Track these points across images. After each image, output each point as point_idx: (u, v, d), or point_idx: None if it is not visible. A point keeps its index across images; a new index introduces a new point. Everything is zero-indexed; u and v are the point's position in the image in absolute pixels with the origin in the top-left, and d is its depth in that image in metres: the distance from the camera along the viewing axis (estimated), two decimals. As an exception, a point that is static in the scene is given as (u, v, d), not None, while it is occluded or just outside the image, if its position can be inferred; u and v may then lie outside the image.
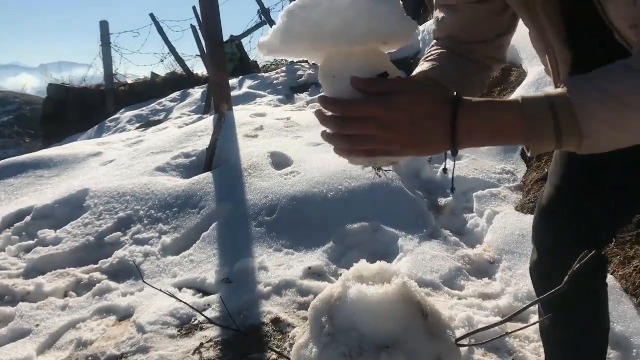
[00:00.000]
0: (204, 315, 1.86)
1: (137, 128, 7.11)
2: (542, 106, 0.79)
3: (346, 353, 0.92)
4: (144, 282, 2.50)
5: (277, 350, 1.79)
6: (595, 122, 0.78)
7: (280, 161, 3.79)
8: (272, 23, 9.80)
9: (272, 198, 3.24)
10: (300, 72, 8.24)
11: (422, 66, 1.16)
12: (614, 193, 1.19)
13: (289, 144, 4.18)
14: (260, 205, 3.21)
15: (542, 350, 1.97)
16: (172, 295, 1.86)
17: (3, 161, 5.01)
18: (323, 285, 2.49)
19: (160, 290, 1.72)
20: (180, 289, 2.63)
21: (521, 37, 4.26)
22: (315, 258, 2.74)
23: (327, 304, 1.00)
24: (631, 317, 2.02)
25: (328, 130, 0.88)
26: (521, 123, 0.79)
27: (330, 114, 0.85)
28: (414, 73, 1.13)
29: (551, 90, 0.83)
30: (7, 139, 14.63)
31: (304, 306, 2.37)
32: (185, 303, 1.94)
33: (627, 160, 1.04)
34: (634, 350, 1.88)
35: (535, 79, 4.11)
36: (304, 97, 6.92)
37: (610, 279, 2.21)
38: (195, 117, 6.57)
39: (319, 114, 0.86)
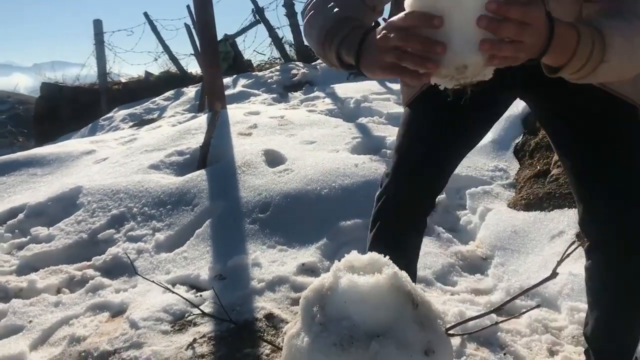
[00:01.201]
0: (198, 308, 1.86)
1: (131, 126, 7.10)
2: (588, 34, 0.99)
3: (337, 342, 0.93)
4: (137, 273, 2.51)
5: (270, 341, 1.79)
6: (614, 52, 1.00)
7: (273, 159, 3.79)
8: (266, 22, 9.82)
9: (266, 195, 3.25)
10: (294, 71, 8.23)
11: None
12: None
13: (282, 142, 4.18)
14: (254, 202, 3.22)
15: (533, 344, 1.99)
16: (167, 288, 1.86)
17: (-6, 159, 5.00)
18: (316, 281, 2.49)
19: (154, 282, 1.73)
20: (173, 285, 2.62)
21: None
22: (309, 254, 2.75)
23: (318, 293, 1.00)
24: None
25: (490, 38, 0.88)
26: (576, 42, 0.98)
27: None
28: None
29: (591, 24, 1.02)
30: (0, 139, 14.57)
31: (297, 302, 2.37)
32: (180, 295, 1.95)
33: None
34: (624, 344, 1.90)
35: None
36: (297, 95, 6.92)
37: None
38: (189, 115, 6.56)
39: (490, 21, 0.86)
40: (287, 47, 9.99)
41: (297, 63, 8.76)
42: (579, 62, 1.00)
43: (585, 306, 2.07)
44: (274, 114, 5.23)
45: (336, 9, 1.25)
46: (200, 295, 2.45)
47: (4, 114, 16.63)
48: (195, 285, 2.61)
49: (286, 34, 12.88)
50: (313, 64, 8.58)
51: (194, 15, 5.75)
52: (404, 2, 0.95)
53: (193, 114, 6.69)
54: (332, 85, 6.87)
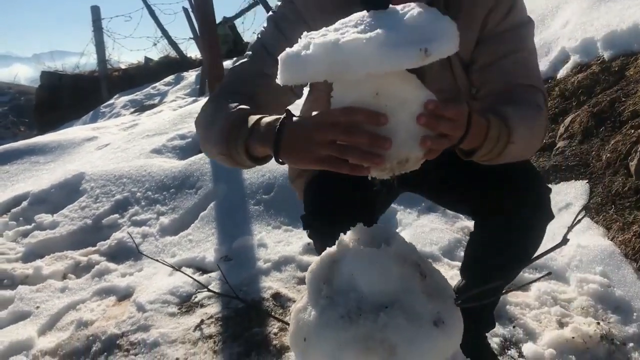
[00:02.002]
0: (207, 288, 1.85)
1: (132, 112, 7.07)
2: (496, 121, 1.09)
3: (344, 314, 0.91)
4: (140, 252, 2.49)
5: (279, 318, 1.77)
6: (518, 135, 1.13)
7: (276, 139, 3.76)
8: (265, 4, 9.71)
9: (269, 177, 3.22)
10: (294, 52, 8.16)
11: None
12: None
13: (284, 123, 4.15)
14: (257, 183, 3.19)
15: (542, 317, 1.97)
16: (174, 268, 1.84)
17: (-3, 148, 4.99)
18: (322, 260, 2.48)
19: (162, 262, 1.71)
20: (179, 267, 2.62)
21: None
22: (314, 234, 2.73)
23: (325, 266, 0.98)
24: (631, 282, 2.01)
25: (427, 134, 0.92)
26: (486, 127, 1.07)
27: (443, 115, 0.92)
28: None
29: (495, 111, 1.13)
30: (2, 130, 14.54)
31: (303, 281, 2.34)
32: (189, 276, 1.93)
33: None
34: (635, 314, 1.88)
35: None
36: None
37: (609, 245, 2.21)
38: (190, 99, 6.53)
39: (430, 119, 0.90)
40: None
41: (297, 44, 8.68)
42: (490, 144, 1.09)
43: (594, 277, 2.06)
44: (275, 96, 5.19)
45: (234, 105, 1.17)
46: (210, 277, 2.44)
47: (5, 105, 16.59)
48: (201, 268, 2.60)
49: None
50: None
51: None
52: (333, 95, 0.94)
53: (194, 98, 6.66)
54: (333, 66, 6.80)
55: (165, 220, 3.09)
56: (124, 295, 2.42)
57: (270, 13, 1.37)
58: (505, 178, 1.32)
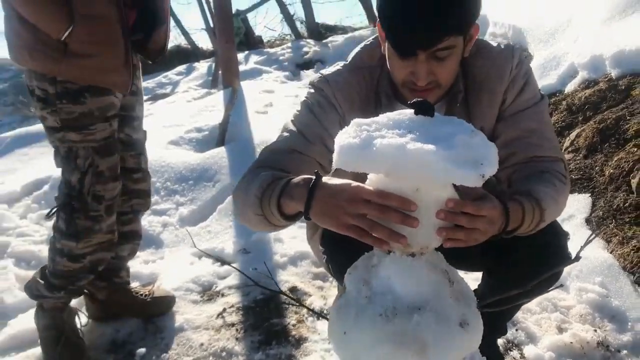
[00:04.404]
0: (254, 282, 1.99)
1: (145, 100, 7.19)
2: (529, 206, 1.23)
3: (382, 313, 1.04)
4: (195, 246, 2.61)
5: (310, 308, 1.88)
6: (548, 213, 1.27)
7: (291, 137, 3.89)
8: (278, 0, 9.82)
9: (285, 173, 3.35)
10: (305, 49, 8.29)
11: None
12: None
13: (299, 121, 4.27)
14: (274, 180, 3.33)
15: (543, 322, 2.12)
16: (222, 261, 1.98)
17: (15, 131, 5.12)
18: (336, 257, 2.62)
19: (211, 256, 1.84)
20: (199, 257, 2.76)
21: (528, 21, 4.39)
22: (328, 232, 2.87)
23: (364, 270, 1.12)
24: (627, 293, 2.15)
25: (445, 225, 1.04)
26: (522, 213, 1.21)
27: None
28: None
29: (529, 193, 1.27)
30: (2, 107, 14.52)
31: (318, 276, 2.51)
32: (235, 268, 2.06)
33: None
34: (629, 323, 2.02)
35: (541, 62, 4.20)
36: (309, 74, 6.99)
37: (609, 257, 2.35)
38: (203, 91, 6.65)
39: (447, 214, 1.02)
40: (298, 24, 10.01)
41: (308, 40, 8.80)
42: (525, 226, 1.24)
43: (593, 287, 2.20)
44: (288, 93, 5.32)
45: (269, 173, 1.29)
46: (228, 272, 2.57)
47: (6, 82, 16.59)
48: (219, 258, 2.74)
49: (297, 10, 12.86)
50: (324, 41, 8.62)
51: (210, -8, 5.79)
52: (373, 176, 1.06)
53: (207, 89, 6.78)
54: (344, 64, 6.92)
55: (184, 210, 3.23)
56: (148, 281, 2.56)
57: (303, 99, 1.52)
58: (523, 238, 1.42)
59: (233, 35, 6.00)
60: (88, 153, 1.88)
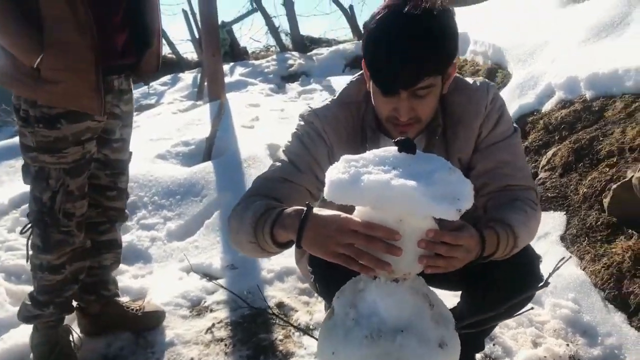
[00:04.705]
0: (239, 297, 2.04)
1: (130, 111, 7.21)
2: (504, 233, 1.34)
3: (368, 334, 1.12)
4: (212, 280, 2.67)
5: (301, 328, 1.95)
6: (521, 239, 1.40)
7: (277, 153, 3.96)
8: (263, 10, 9.92)
9: (272, 189, 3.43)
10: (290, 61, 8.39)
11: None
12: None
13: (285, 137, 4.35)
14: (260, 195, 3.40)
15: (519, 336, 2.22)
16: (211, 277, 2.04)
17: (1, 142, 5.13)
18: (321, 273, 2.71)
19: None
20: (187, 272, 2.82)
21: (506, 40, 4.52)
22: (313, 247, 2.95)
23: (351, 293, 1.21)
24: (598, 309, 2.27)
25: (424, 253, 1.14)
26: (497, 240, 1.32)
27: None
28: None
29: (503, 220, 1.37)
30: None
31: (304, 292, 2.59)
32: (227, 289, 2.13)
33: None
34: (600, 338, 2.14)
35: (519, 82, 4.33)
36: (295, 87, 7.09)
37: (581, 274, 2.47)
38: (188, 103, 6.71)
39: (428, 243, 1.12)
40: (283, 36, 10.13)
41: (293, 53, 8.90)
42: (501, 251, 1.34)
43: (566, 303, 2.31)
44: (274, 107, 5.41)
45: (262, 202, 1.37)
46: (216, 287, 2.64)
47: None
48: (208, 273, 2.81)
49: (282, 23, 12.98)
50: (309, 54, 8.73)
51: (198, 3, 5.86)
52: (360, 208, 1.16)
53: (192, 101, 6.83)
54: (328, 78, 7.04)
55: (172, 225, 3.29)
56: (137, 295, 2.61)
57: (294, 130, 1.63)
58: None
59: (219, 47, 6.08)
60: (60, 174, 1.97)
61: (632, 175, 2.61)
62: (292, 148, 1.58)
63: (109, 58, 2.00)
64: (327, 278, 1.59)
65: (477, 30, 5.59)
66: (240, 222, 1.40)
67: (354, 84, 1.62)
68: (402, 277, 1.17)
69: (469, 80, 1.60)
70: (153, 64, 2.19)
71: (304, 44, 9.47)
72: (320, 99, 6.11)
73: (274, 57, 8.77)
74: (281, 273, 2.70)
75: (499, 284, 1.54)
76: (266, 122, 4.80)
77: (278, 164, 1.56)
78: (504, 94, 4.43)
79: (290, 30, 9.74)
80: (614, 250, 2.47)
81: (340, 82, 6.67)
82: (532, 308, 1.55)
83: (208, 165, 3.84)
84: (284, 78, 7.82)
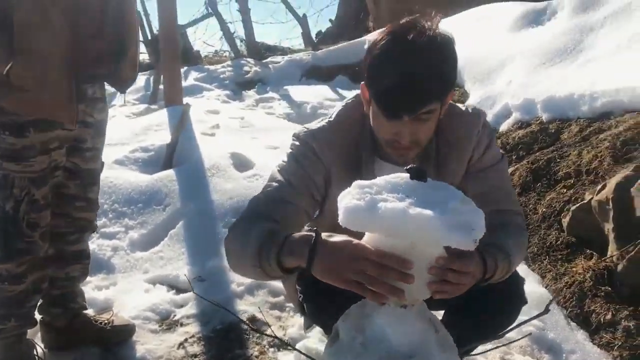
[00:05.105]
0: (240, 319, 2.01)
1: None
2: (502, 259, 1.39)
3: (377, 360, 1.15)
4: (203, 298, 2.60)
5: (276, 335, 1.92)
6: (515, 263, 1.49)
7: (241, 163, 3.94)
8: (218, 15, 9.84)
9: (238, 200, 3.41)
10: (246, 68, 8.35)
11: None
12: None
13: (247, 146, 4.34)
14: (226, 206, 3.37)
15: (488, 354, 2.29)
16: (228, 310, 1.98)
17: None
18: (292, 287, 2.70)
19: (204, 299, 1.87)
20: (153, 284, 2.76)
21: (463, 59, 4.64)
22: (282, 260, 2.94)
23: (357, 318, 1.22)
24: (562, 326, 2.37)
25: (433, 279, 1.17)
26: (495, 265, 1.37)
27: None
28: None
29: (501, 247, 1.42)
30: None
31: (275, 306, 2.58)
32: (203, 299, 2.09)
33: None
34: (564, 354, 2.23)
35: (477, 101, 4.48)
36: (251, 94, 7.06)
37: (545, 292, 2.57)
38: (142, 106, 6.57)
39: (438, 270, 1.16)
40: (237, 42, 10.07)
41: (248, 60, 8.87)
42: (498, 276, 1.41)
43: (535, 322, 2.39)
44: (234, 114, 5.37)
45: (264, 224, 1.38)
46: (184, 300, 2.59)
47: None
48: (174, 286, 2.75)
49: (238, 29, 12.87)
50: (265, 61, 8.72)
51: (157, 6, 5.75)
52: (370, 234, 1.19)
53: (146, 105, 6.70)
54: (285, 87, 7.05)
55: (134, 234, 3.21)
56: (103, 308, 2.53)
57: (290, 150, 1.61)
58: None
59: (178, 51, 5.98)
60: (24, 183, 1.91)
61: (591, 198, 2.74)
62: (288, 168, 1.58)
63: (84, 66, 1.95)
64: (317, 299, 1.60)
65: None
66: (242, 246, 1.40)
67: (350, 106, 1.64)
68: (410, 303, 1.19)
69: (462, 106, 1.65)
70: (130, 72, 2.14)
71: (259, 51, 9.45)
72: (279, 108, 6.13)
73: (229, 62, 8.71)
74: (251, 286, 2.67)
75: (486, 305, 1.59)
76: (227, 130, 4.76)
77: (274, 184, 1.56)
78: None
79: (246, 37, 9.71)
80: (574, 269, 2.59)
81: (298, 91, 6.71)
82: (530, 334, 1.61)
83: (170, 173, 3.77)
84: (239, 84, 7.77)
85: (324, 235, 1.25)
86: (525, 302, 1.65)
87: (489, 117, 4.18)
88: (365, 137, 1.59)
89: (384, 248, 1.15)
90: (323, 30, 13.41)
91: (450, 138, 1.60)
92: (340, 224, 1.14)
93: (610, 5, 4.39)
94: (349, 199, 1.13)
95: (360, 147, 1.59)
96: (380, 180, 1.19)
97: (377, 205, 1.09)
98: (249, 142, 4.50)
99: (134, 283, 2.78)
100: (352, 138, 1.60)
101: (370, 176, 1.58)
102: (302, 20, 10.25)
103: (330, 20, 13.49)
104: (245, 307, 2.54)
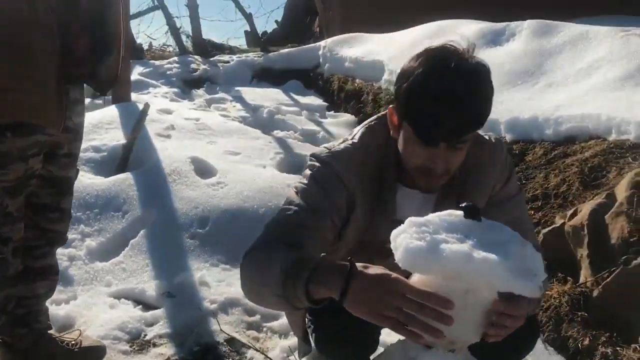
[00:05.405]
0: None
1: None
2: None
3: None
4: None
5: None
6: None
7: (203, 169, 3.78)
8: (165, 9, 9.52)
9: (203, 209, 3.26)
10: (193, 65, 8.10)
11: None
12: None
13: (207, 150, 4.18)
14: (191, 215, 3.22)
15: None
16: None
17: None
18: (267, 304, 2.60)
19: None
20: (118, 299, 2.59)
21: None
22: (253, 275, 2.83)
23: (399, 358, 1.16)
24: (540, 351, 2.39)
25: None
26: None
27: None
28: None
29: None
30: None
31: (252, 326, 2.47)
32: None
33: None
34: (542, 379, 2.26)
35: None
36: (201, 93, 6.83)
37: (522, 316, 2.60)
38: (87, 101, 6.20)
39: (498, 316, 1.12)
40: (184, 37, 9.77)
41: (195, 57, 8.61)
42: (531, 311, 1.33)
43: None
44: (188, 115, 5.18)
45: (287, 250, 1.31)
46: (155, 318, 2.43)
47: None
48: (141, 301, 2.59)
49: (185, 24, 12.48)
50: (212, 60, 8.50)
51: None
52: (418, 274, 1.13)
53: (90, 99, 6.34)
54: (236, 88, 6.89)
55: (92, 242, 3.01)
56: (64, 325, 2.34)
57: (309, 172, 1.52)
58: None
59: (129, 45, 5.71)
60: None
61: (563, 222, 2.80)
62: (308, 191, 1.49)
63: (69, 66, 1.79)
64: (328, 328, 1.52)
65: (393, 60, 5.74)
66: (262, 273, 1.32)
67: (372, 128, 1.57)
68: (460, 347, 1.14)
69: (485, 135, 1.62)
70: (113, 73, 1.99)
71: (206, 48, 9.18)
72: (233, 110, 5.96)
73: (176, 59, 8.42)
74: (225, 304, 2.55)
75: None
76: (183, 132, 4.57)
77: (294, 207, 1.47)
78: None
79: (192, 33, 9.41)
80: (550, 293, 2.63)
81: (250, 94, 6.56)
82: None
83: (128, 177, 3.56)
84: (187, 82, 7.51)
85: (359, 265, 1.18)
86: (539, 329, 1.66)
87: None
88: (389, 163, 1.52)
89: (437, 290, 1.09)
90: (269, 31, 13.28)
91: (474, 167, 1.57)
92: (398, 264, 1.07)
93: (567, 32, 4.55)
94: (406, 238, 1.07)
95: (383, 172, 1.53)
96: (434, 217, 1.13)
97: (440, 247, 1.04)
98: (207, 146, 4.34)
99: (96, 297, 2.59)
100: (375, 162, 1.53)
101: (393, 203, 1.53)
102: (249, 20, 10.07)
103: (277, 22, 13.39)
104: (222, 327, 2.41)
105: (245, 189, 3.46)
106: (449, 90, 1.30)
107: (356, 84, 6.25)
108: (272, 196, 3.43)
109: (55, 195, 1.98)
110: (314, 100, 6.52)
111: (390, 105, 1.46)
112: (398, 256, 1.06)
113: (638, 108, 3.17)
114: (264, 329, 2.44)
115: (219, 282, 2.74)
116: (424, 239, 1.06)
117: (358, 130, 1.58)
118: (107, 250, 2.98)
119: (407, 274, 1.15)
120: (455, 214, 1.14)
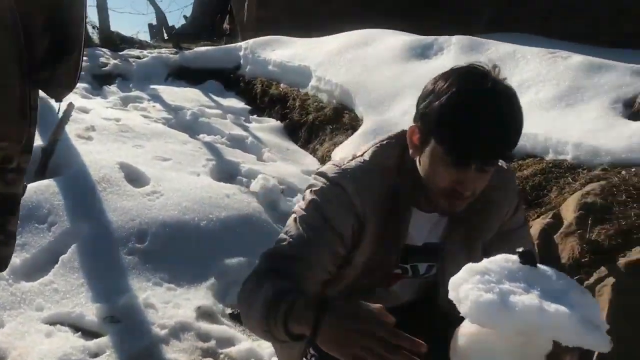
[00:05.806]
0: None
1: None
2: None
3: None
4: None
5: None
6: None
7: (133, 176, 3.52)
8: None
9: (140, 222, 3.03)
10: (103, 59, 7.60)
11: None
12: None
13: (134, 155, 3.91)
14: (127, 228, 2.98)
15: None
16: None
17: None
18: (220, 329, 2.45)
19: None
20: (54, 325, 2.33)
21: (355, 84, 4.73)
22: (201, 296, 2.66)
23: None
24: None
25: None
26: None
27: None
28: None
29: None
30: None
31: (207, 352, 2.32)
32: None
33: None
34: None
35: (373, 127, 4.52)
36: (114, 90, 6.40)
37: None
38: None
39: None
40: (90, 28, 9.16)
41: (104, 50, 8.10)
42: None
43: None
44: (107, 115, 4.84)
45: (273, 284, 1.26)
46: (99, 347, 2.21)
47: None
48: (80, 327, 2.35)
49: (91, 15, 11.74)
50: (122, 54, 8.05)
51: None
52: (467, 331, 1.07)
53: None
54: (152, 86, 6.56)
55: (16, 259, 2.68)
56: (-7, 359, 2.07)
57: (311, 196, 1.40)
58: None
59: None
60: None
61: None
62: (309, 219, 1.38)
63: (31, 69, 1.57)
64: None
65: (321, 66, 5.69)
66: (249, 308, 1.28)
67: (384, 147, 1.48)
68: None
69: None
70: (71, 78, 1.76)
71: (114, 41, 8.69)
72: (153, 110, 5.64)
73: (85, 52, 7.87)
74: (176, 329, 2.37)
75: None
76: (105, 135, 4.24)
77: (291, 237, 1.37)
78: (356, 137, 4.58)
79: (100, 24, 8.87)
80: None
81: (168, 93, 6.26)
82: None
83: (50, 184, 3.24)
84: (97, 78, 7.03)
85: (338, 301, 1.13)
86: None
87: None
88: (405, 185, 1.44)
89: (495, 342, 1.03)
90: (177, 27, 12.84)
91: (488, 193, 1.52)
92: (465, 316, 1.00)
93: (495, 51, 4.73)
94: (473, 290, 1.00)
95: (396, 194, 1.45)
96: (492, 265, 1.07)
97: (511, 301, 0.98)
98: (134, 150, 4.06)
99: (27, 324, 2.32)
100: (386, 183, 1.45)
101: (406, 226, 1.45)
102: (160, 14, 9.67)
103: (185, 17, 12.98)
104: (174, 355, 2.24)
105: (183, 200, 3.27)
106: (488, 110, 1.26)
107: (281, 89, 6.13)
108: (212, 207, 3.26)
109: (0, 216, 1.72)
110: (236, 103, 6.32)
111: (412, 125, 1.39)
112: (465, 310, 0.99)
113: (573, 129, 3.33)
114: (221, 355, 2.29)
115: (165, 304, 2.55)
116: (491, 291, 1.00)
117: (368, 149, 1.49)
118: (34, 268, 2.68)
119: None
120: (511, 260, 1.09)
